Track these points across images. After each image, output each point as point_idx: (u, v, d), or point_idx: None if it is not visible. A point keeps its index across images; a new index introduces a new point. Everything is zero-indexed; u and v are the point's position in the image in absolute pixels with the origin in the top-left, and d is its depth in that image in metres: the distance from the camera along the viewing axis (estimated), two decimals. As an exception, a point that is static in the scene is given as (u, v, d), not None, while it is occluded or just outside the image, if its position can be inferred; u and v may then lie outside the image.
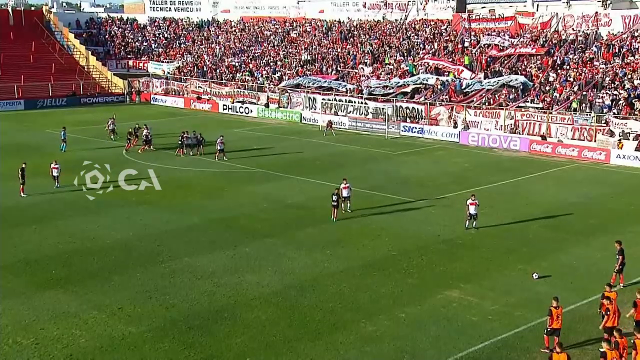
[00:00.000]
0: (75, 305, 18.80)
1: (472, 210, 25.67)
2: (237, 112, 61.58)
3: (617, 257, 20.18)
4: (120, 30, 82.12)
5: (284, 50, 69.01)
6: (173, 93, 69.74)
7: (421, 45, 59.31)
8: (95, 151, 41.06)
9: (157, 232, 25.44)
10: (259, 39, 74.45)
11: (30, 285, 20.28)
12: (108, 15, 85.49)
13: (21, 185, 30.77)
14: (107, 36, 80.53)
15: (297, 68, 63.68)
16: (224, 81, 66.42)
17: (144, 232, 25.52)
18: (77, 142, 44.27)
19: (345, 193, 27.68)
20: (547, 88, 47.72)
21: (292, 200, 30.51)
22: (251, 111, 60.58)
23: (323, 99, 56.90)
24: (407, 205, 29.67)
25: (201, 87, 67.36)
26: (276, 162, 39.42)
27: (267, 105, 60.26)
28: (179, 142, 41.43)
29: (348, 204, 27.91)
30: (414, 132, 49.70)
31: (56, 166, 32.44)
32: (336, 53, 63.82)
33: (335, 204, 26.95)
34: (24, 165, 31.11)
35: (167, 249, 23.50)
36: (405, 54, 58.72)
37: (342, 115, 54.75)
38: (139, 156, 40.16)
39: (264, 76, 64.63)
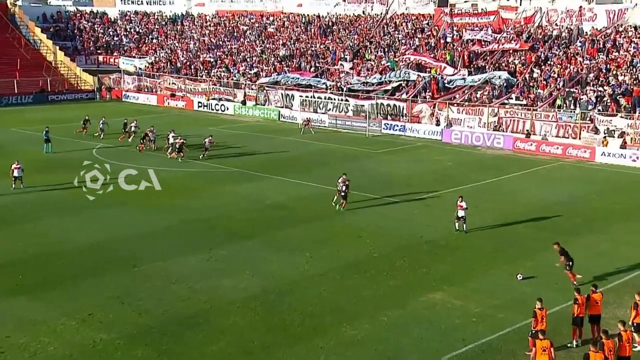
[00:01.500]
0: (43, 312, 18.58)
1: (460, 212, 25.81)
2: (212, 109, 61.33)
3: (561, 257, 20.68)
4: (89, 24, 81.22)
5: (261, 46, 68.84)
6: (146, 90, 69.21)
7: (402, 41, 59.58)
8: (69, 152, 40.48)
9: (131, 234, 25.25)
10: (235, 33, 74.16)
11: (-3, 292, 20.00)
12: (76, 9, 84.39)
13: None
14: (75, 30, 79.60)
15: (275, 64, 63.56)
16: (199, 77, 66.08)
17: (117, 234, 25.31)
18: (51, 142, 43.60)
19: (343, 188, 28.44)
20: (531, 84, 48.22)
21: (272, 201, 30.50)
22: (227, 109, 60.34)
23: (301, 96, 56.88)
24: (389, 205, 29.79)
25: (175, 84, 66.92)
26: (254, 161, 39.31)
27: (244, 103, 60.07)
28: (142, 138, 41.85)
29: (343, 200, 28.57)
30: (396, 130, 49.88)
31: (18, 166, 31.89)
32: (315, 49, 63.84)
33: (344, 193, 28.04)
34: None
35: (140, 252, 23.34)
36: (386, 50, 58.92)
37: (322, 113, 54.79)
38: (111, 156, 39.72)
39: (240, 72, 64.39)
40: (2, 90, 64.76)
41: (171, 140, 40.14)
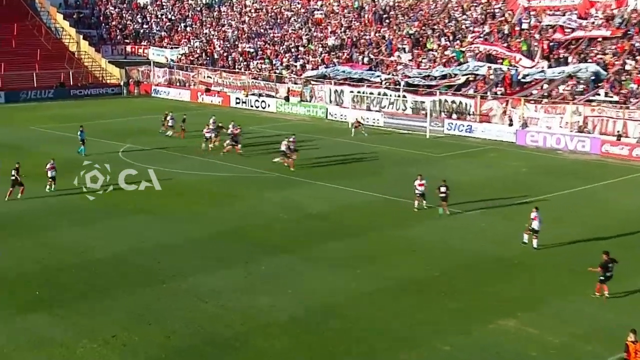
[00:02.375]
0: (61, 332, 19.03)
1: (535, 225, 25.48)
2: (252, 106, 62.05)
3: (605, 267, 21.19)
4: (116, 10, 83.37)
5: (307, 34, 69.34)
6: (177, 84, 70.56)
7: (470, 28, 59.10)
8: (96, 154, 41.55)
9: (157, 246, 25.70)
10: (279, 20, 74.94)
11: (9, 308, 20.60)
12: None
13: (10, 189, 31.38)
14: (101, 17, 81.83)
15: (322, 55, 63.92)
16: (237, 70, 66.98)
17: (141, 245, 25.79)
18: (67, 142, 44.87)
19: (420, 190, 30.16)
20: (624, 78, 47.14)
21: (315, 210, 30.61)
22: (268, 105, 60.95)
23: (353, 92, 56.97)
24: (451, 217, 29.59)
25: (210, 78, 68.03)
26: (297, 164, 39.53)
27: (287, 99, 60.59)
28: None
29: (424, 202, 30.18)
30: (461, 130, 49.56)
31: (52, 165, 33.05)
32: (369, 37, 63.91)
33: (444, 195, 29.34)
34: (17, 166, 31.86)
35: (167, 265, 23.72)
36: (452, 39, 58.56)
37: (376, 111, 54.78)
38: (139, 158, 40.57)
39: (283, 65, 65.01)
40: (20, 84, 66.95)
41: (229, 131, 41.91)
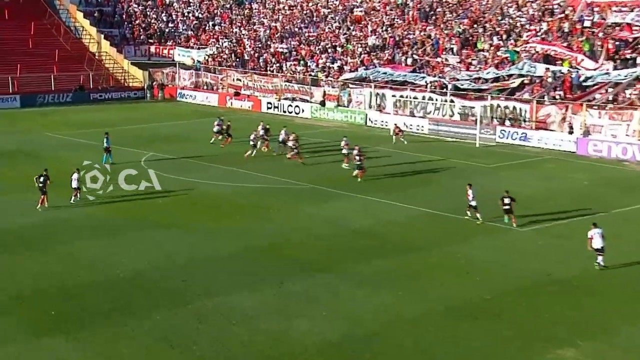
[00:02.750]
0: (79, 357, 19.17)
1: (597, 243, 25.16)
2: (284, 111, 62.36)
3: None
4: (140, 8, 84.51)
5: (345, 34, 69.51)
6: (205, 87, 71.25)
7: (526, 26, 58.66)
8: (117, 163, 42.07)
9: (183, 263, 25.86)
10: (314, 18, 75.28)
11: (23, 330, 20.78)
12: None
13: (42, 196, 32.42)
14: (124, 16, 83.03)
15: (362, 56, 64.00)
16: (269, 73, 67.40)
17: (166, 262, 25.98)
18: (86, 149, 45.53)
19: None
20: (698, 81, 46.31)
21: (356, 225, 30.60)
22: (303, 110, 61.17)
23: (395, 96, 56.91)
24: (506, 234, 29.35)
25: (240, 80, 68.56)
26: (335, 175, 39.55)
27: (322, 104, 60.75)
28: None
29: (477, 214, 30.78)
30: (515, 138, 49.28)
31: (77, 175, 33.85)
32: (413, 37, 63.84)
33: (509, 207, 30.03)
34: (45, 173, 32.79)
35: (195, 284, 23.84)
36: (504, 37, 58.18)
37: (420, 117, 54.62)
38: (159, 166, 40.85)
39: (319, 66, 65.23)
40: (37, 87, 68.17)
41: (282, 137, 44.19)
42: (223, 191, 36.24)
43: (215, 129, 48.78)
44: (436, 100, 54.82)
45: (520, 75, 52.89)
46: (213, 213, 32.35)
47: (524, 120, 50.24)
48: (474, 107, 52.07)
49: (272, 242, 28.23)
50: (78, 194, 33.59)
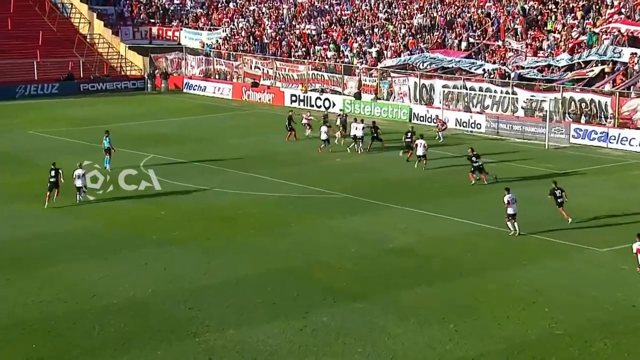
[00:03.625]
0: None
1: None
2: (312, 105, 62.43)
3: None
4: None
5: (386, 12, 69.41)
6: (216, 77, 71.60)
7: (607, 2, 58.11)
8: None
9: (189, 288, 25.87)
10: (348, -7, 75.31)
11: (-1, 366, 20.97)
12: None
13: (48, 193, 34.48)
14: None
15: (406, 39, 63.88)
16: (293, 59, 67.50)
17: (168, 287, 26.02)
18: (77, 151, 45.84)
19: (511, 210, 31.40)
20: None
21: (396, 243, 30.51)
22: (333, 104, 61.18)
23: (446, 87, 56.68)
24: (581, 256, 29.05)
25: (259, 69, 68.77)
26: (372, 182, 39.46)
27: (358, 96, 60.69)
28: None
29: (515, 225, 31.38)
30: (593, 139, 48.96)
31: (81, 171, 35.28)
32: (469, 15, 63.57)
33: (561, 200, 32.38)
34: (55, 166, 34.75)
35: (203, 314, 23.83)
36: (582, 17, 57.71)
37: (477, 113, 54.37)
38: (161, 171, 41.00)
39: (354, 52, 65.20)
40: (17, 76, 68.62)
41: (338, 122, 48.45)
42: (238, 201, 36.28)
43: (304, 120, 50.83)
44: (496, 92, 54.52)
45: (601, 62, 52.46)
46: (225, 227, 32.41)
47: (605, 117, 49.87)
48: (542, 101, 51.72)
49: (294, 264, 28.18)
50: (83, 192, 35.16)
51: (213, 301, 24.78)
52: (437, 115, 51.43)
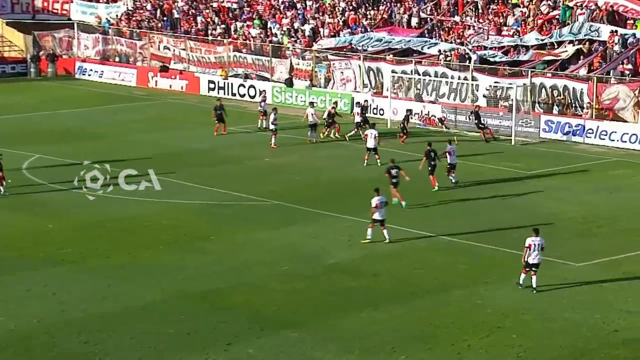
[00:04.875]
0: None
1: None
2: (233, 94, 62.36)
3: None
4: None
5: (322, -19, 69.50)
6: (117, 59, 70.90)
7: (582, -30, 58.95)
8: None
9: (84, 318, 25.58)
10: (277, -41, 75.18)
11: None
12: None
13: None
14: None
15: (346, 14, 64.02)
16: (210, 39, 67.26)
17: (59, 316, 25.67)
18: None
19: None
20: None
21: (337, 259, 30.57)
22: (260, 93, 61.00)
23: (395, 73, 56.99)
24: (554, 271, 29.32)
25: (169, 49, 68.30)
26: (309, 186, 39.59)
27: (289, 83, 60.65)
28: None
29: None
30: (567, 132, 49.58)
31: None
32: (420, -14, 63.92)
33: (396, 180, 33.64)
34: None
35: (101, 348, 23.58)
36: (552, -12, 58.45)
37: (430, 102, 54.74)
38: (47, 174, 40.59)
39: (284, 30, 65.19)
40: None
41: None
42: (144, 210, 36.10)
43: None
44: (453, 77, 54.98)
45: (576, 42, 53.27)
46: (129, 243, 32.17)
47: (580, 107, 50.51)
48: (508, 88, 52.22)
49: (214, 285, 28.06)
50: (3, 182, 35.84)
51: (114, 333, 24.52)
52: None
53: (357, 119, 49.72)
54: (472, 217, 35.00)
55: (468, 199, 38.04)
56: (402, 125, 49.04)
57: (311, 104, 51.28)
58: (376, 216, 31.82)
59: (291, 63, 61.87)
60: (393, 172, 36.05)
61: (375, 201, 31.76)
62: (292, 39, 63.97)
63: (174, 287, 27.88)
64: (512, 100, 50.73)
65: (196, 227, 34.14)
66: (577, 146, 48.41)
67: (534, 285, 27.65)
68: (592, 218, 35.39)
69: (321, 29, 63.86)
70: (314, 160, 44.68)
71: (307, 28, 64.15)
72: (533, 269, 27.61)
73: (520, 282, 27.79)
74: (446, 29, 59.51)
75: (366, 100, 52.93)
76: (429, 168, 39.07)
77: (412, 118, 50.64)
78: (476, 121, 49.60)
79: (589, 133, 49.07)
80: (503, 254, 30.77)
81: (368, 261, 30.46)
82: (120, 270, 29.36)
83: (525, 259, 27.65)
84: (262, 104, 52.56)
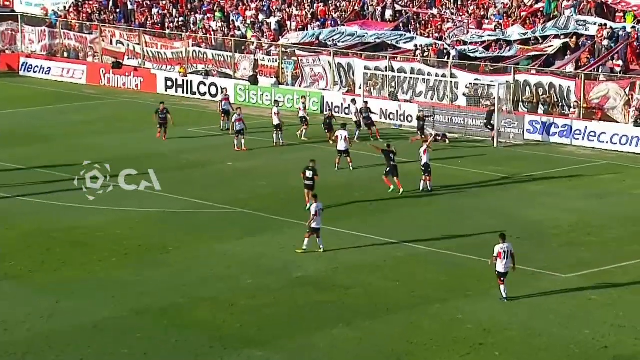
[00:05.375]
0: None
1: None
2: (193, 92, 62.35)
3: None
4: None
5: (288, -29, 69.55)
6: (65, 55, 70.61)
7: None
8: None
9: (29, 338, 25.42)
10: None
11: None
12: None
13: None
14: None
15: (314, 6, 64.03)
16: (168, 32, 67.06)
17: (1, 337, 25.41)
18: None
19: None
20: None
21: (306, 271, 30.55)
22: (222, 91, 60.91)
23: (368, 69, 57.05)
24: (540, 283, 29.47)
25: (122, 44, 68.08)
26: (275, 192, 39.56)
27: (254, 81, 60.57)
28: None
29: None
30: (553, 134, 49.78)
31: None
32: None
33: (311, 183, 34.28)
34: None
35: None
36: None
37: (405, 101, 54.87)
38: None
39: (248, 23, 65.08)
40: None
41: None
42: (96, 220, 35.92)
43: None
44: (430, 74, 55.08)
45: (562, 36, 53.48)
46: (79, 255, 31.97)
47: (567, 106, 50.71)
48: (489, 86, 52.39)
49: (172, 301, 27.93)
50: None
51: (62, 353, 24.36)
52: (364, 102, 51.26)
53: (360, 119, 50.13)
54: (452, 225, 35.02)
55: (448, 206, 38.08)
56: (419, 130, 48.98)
57: (276, 102, 51.27)
58: (314, 225, 32.00)
59: (256, 59, 61.76)
60: (308, 173, 36.52)
61: (314, 208, 31.93)
62: (257, 32, 63.87)
63: (129, 303, 27.73)
64: (494, 98, 50.82)
65: (153, 237, 34.03)
66: (564, 148, 48.59)
67: (504, 295, 27.83)
68: (581, 226, 35.51)
69: (288, 22, 63.85)
70: (280, 164, 44.57)
71: (272, 21, 64.17)
72: (502, 277, 27.88)
73: (504, 295, 27.82)
74: (423, 22, 59.71)
75: (366, 102, 52.16)
76: (387, 169, 39.24)
77: (426, 123, 49.86)
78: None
79: (577, 134, 49.23)
80: (485, 264, 30.64)
81: (339, 273, 30.43)
82: (69, 285, 29.15)
83: (497, 269, 27.83)
84: (224, 102, 52.50)
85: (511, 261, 27.67)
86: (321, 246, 32.00)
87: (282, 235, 34.26)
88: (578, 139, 49.14)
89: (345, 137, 42.90)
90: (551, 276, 30.17)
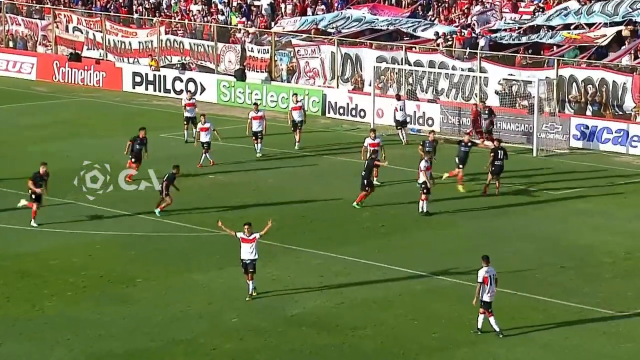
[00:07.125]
0: None
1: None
2: (166, 90, 62.69)
3: None
4: None
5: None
6: (11, 44, 70.78)
7: None
8: None
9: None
10: None
11: None
12: None
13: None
14: None
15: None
16: (136, 17, 67.22)
17: None
18: None
19: None
20: None
21: (303, 308, 30.59)
22: (203, 89, 61.12)
23: (379, 62, 57.18)
24: (590, 324, 29.43)
25: (81, 32, 68.22)
26: (267, 212, 39.54)
27: (240, 77, 60.69)
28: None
29: None
30: (606, 140, 50.02)
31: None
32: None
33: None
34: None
35: None
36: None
37: (427, 101, 55.05)
38: None
39: (232, 6, 65.24)
40: None
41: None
42: (49, 245, 36.08)
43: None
44: (455, 69, 55.42)
45: (614, 24, 53.70)
46: (27, 289, 32.02)
47: (620, 107, 50.95)
48: (527, 83, 52.63)
49: (143, 344, 27.93)
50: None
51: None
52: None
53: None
54: (481, 251, 34.95)
55: (476, 228, 38.14)
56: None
57: (255, 104, 51.08)
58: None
59: (243, 50, 61.90)
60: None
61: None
62: (244, 18, 64.05)
63: (87, 347, 27.69)
64: (533, 98, 51.02)
65: (117, 266, 34.03)
66: (618, 158, 48.89)
67: (497, 329, 28.12)
68: (637, 253, 35.59)
69: (282, 5, 64.02)
70: (269, 179, 44.87)
71: (263, 3, 64.34)
72: (489, 308, 28.20)
73: (479, 326, 28.20)
74: (446, 5, 59.86)
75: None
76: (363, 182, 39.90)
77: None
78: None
79: (634, 141, 49.50)
80: (521, 299, 30.82)
81: (345, 310, 30.40)
82: (15, 325, 29.17)
83: (482, 297, 28.08)
84: (188, 108, 51.58)
85: (494, 288, 28.12)
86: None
87: (274, 263, 34.27)
88: (636, 146, 49.38)
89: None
90: (604, 314, 30.12)
